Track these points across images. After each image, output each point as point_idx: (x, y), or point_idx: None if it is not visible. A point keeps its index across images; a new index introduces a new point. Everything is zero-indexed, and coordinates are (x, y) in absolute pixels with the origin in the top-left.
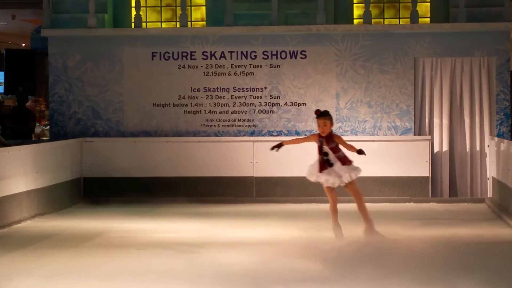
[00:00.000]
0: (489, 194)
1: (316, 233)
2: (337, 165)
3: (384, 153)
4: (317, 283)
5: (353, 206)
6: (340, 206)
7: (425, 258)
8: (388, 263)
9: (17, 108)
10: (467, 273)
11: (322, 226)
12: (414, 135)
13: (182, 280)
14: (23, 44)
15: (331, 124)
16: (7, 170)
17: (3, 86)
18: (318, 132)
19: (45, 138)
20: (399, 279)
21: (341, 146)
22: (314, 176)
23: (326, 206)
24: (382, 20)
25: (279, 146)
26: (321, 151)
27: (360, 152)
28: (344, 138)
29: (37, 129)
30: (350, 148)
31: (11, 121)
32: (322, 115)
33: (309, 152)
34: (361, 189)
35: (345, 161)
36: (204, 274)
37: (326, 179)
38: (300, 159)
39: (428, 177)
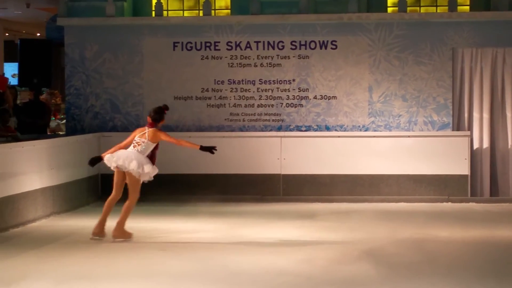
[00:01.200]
0: None
1: (348, 233)
2: None
3: (420, 150)
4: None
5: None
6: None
7: (461, 263)
8: (422, 268)
9: (32, 102)
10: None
11: (354, 227)
12: (452, 130)
13: (205, 283)
14: (38, 34)
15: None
16: (21, 166)
17: (17, 78)
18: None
19: (61, 133)
20: (432, 284)
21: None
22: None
23: (357, 206)
24: (418, 8)
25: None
26: None
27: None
28: (377, 133)
29: (53, 123)
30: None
31: (26, 115)
32: None
33: (339, 149)
34: (396, 188)
35: None
36: (228, 277)
37: None
38: (329, 156)
39: (467, 175)
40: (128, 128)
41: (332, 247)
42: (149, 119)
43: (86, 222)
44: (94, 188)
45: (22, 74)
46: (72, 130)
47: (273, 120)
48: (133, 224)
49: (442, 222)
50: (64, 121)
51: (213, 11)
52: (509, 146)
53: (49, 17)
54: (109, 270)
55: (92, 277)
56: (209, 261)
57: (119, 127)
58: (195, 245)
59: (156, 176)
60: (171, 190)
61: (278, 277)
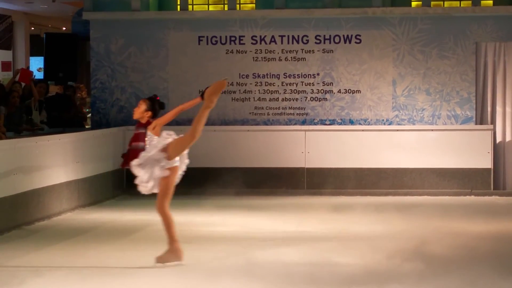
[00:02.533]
0: None
1: (373, 227)
2: None
3: (443, 143)
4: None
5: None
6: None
7: (482, 256)
8: (443, 261)
9: (59, 95)
10: None
11: (378, 221)
12: (476, 124)
13: (232, 276)
14: (64, 28)
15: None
16: (46, 159)
17: (42, 72)
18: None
19: (86, 127)
20: (454, 279)
21: None
22: None
23: (383, 199)
24: (442, 2)
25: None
26: None
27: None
28: (401, 127)
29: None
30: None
31: (52, 108)
32: None
33: (363, 143)
34: (419, 181)
35: None
36: (254, 271)
37: None
38: (353, 150)
39: (490, 168)
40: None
41: (357, 241)
42: None
43: (111, 216)
44: (119, 182)
45: (47, 68)
46: (98, 124)
47: (297, 114)
48: (157, 218)
49: (465, 216)
50: (90, 115)
51: (238, 5)
52: None
53: (74, 11)
54: (135, 263)
55: (118, 271)
56: (232, 254)
57: None
58: (219, 238)
59: None
60: (195, 183)
61: (300, 268)
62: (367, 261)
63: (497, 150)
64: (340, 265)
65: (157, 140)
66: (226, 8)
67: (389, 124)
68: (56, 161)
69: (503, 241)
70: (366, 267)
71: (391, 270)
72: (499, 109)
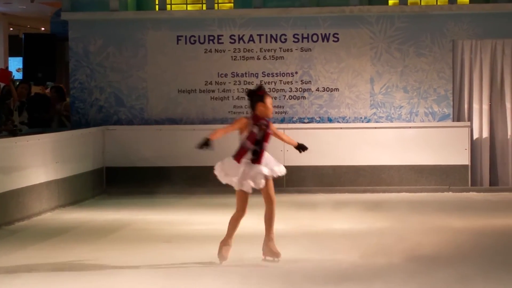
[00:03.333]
0: None
1: (350, 224)
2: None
3: (421, 141)
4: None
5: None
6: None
7: (464, 252)
8: (424, 257)
9: (37, 96)
10: (505, 270)
11: (356, 217)
12: (453, 121)
13: (211, 274)
14: (43, 28)
15: None
16: (26, 160)
17: (21, 72)
18: (248, 115)
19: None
20: (436, 274)
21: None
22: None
23: (362, 196)
24: (419, 0)
25: (206, 144)
26: (256, 140)
27: (302, 148)
28: (379, 124)
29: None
30: (288, 140)
31: (32, 109)
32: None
33: (342, 140)
34: (398, 178)
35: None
36: (234, 269)
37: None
38: (331, 147)
39: (467, 165)
40: (132, 121)
41: (338, 238)
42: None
43: (90, 216)
44: (99, 181)
45: (26, 69)
46: (77, 123)
47: (276, 112)
48: (137, 217)
49: (443, 212)
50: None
51: (216, 5)
52: (508, 137)
53: (53, 11)
54: (115, 263)
55: (98, 270)
56: (214, 252)
57: (123, 120)
58: (200, 237)
59: (160, 169)
60: (175, 182)
61: (283, 265)
62: (348, 259)
63: (474, 146)
64: (317, 261)
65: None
66: (204, 8)
67: (367, 122)
68: (35, 161)
69: (484, 237)
70: (346, 264)
71: (374, 267)
72: (476, 106)
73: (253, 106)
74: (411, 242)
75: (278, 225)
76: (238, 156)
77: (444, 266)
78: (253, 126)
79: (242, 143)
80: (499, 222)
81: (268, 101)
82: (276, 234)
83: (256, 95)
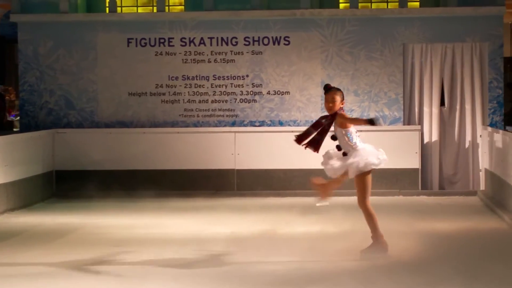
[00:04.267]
0: (482, 186)
1: (302, 228)
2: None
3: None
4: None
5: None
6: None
7: (413, 255)
8: (376, 261)
9: None
10: (459, 271)
11: (309, 221)
12: (403, 125)
13: (161, 279)
14: None
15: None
16: None
17: None
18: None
19: (15, 129)
20: (386, 278)
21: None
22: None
23: (311, 200)
24: (369, 4)
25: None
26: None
27: (372, 122)
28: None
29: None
30: (358, 121)
31: None
32: (330, 89)
33: (293, 144)
34: (349, 182)
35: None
36: (184, 272)
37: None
38: (282, 151)
39: (418, 169)
40: (83, 124)
41: (291, 242)
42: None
43: (40, 219)
44: (48, 185)
45: None
46: (26, 126)
47: (227, 116)
48: (87, 221)
49: (393, 215)
50: (18, 117)
51: (167, 7)
52: (459, 140)
53: (2, 13)
54: (64, 267)
55: (47, 274)
56: (163, 256)
57: (74, 123)
58: (150, 240)
59: (111, 172)
60: (125, 186)
61: (232, 268)
62: (304, 261)
63: (425, 150)
64: (274, 264)
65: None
66: (155, 10)
67: None
68: None
69: (436, 240)
70: (300, 267)
71: (330, 271)
72: (426, 109)
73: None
74: (360, 245)
75: (233, 229)
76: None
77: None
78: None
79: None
80: (448, 226)
81: (326, 98)
82: (234, 238)
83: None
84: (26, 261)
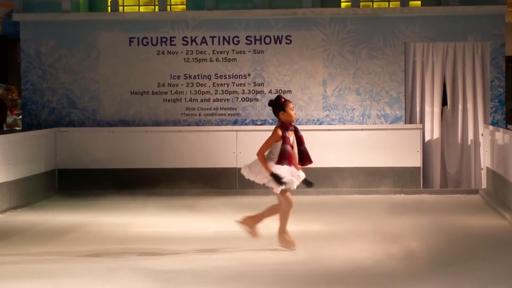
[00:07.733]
0: (483, 185)
1: (304, 226)
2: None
3: (373, 143)
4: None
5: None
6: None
7: (414, 255)
8: (378, 260)
9: None
10: (460, 268)
11: (310, 219)
12: (405, 123)
13: (162, 277)
14: None
15: None
16: None
17: None
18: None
19: (17, 128)
20: (389, 276)
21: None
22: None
23: (314, 199)
24: (371, 3)
25: (277, 179)
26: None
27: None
28: (331, 126)
29: (9, 119)
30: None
31: None
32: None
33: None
34: (350, 181)
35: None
36: (186, 271)
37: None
38: None
39: (419, 167)
40: (85, 123)
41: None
42: None
43: (43, 218)
44: (51, 183)
45: None
46: (29, 125)
47: (228, 115)
48: (89, 219)
49: (395, 214)
50: (21, 116)
51: (168, 7)
52: (460, 139)
53: (4, 12)
54: (67, 265)
55: (50, 272)
56: (165, 254)
57: (76, 122)
58: (152, 238)
59: (113, 171)
60: (127, 184)
61: (233, 268)
62: (306, 260)
63: (426, 149)
64: (275, 263)
65: None
66: (157, 9)
67: (320, 124)
68: None
69: (438, 237)
70: (302, 266)
71: (333, 270)
72: (427, 108)
73: (277, 115)
74: (360, 245)
75: (235, 227)
76: (289, 161)
77: (388, 269)
78: (284, 132)
79: (281, 149)
80: (450, 224)
81: (289, 107)
82: (236, 236)
83: (277, 105)
84: (29, 259)
